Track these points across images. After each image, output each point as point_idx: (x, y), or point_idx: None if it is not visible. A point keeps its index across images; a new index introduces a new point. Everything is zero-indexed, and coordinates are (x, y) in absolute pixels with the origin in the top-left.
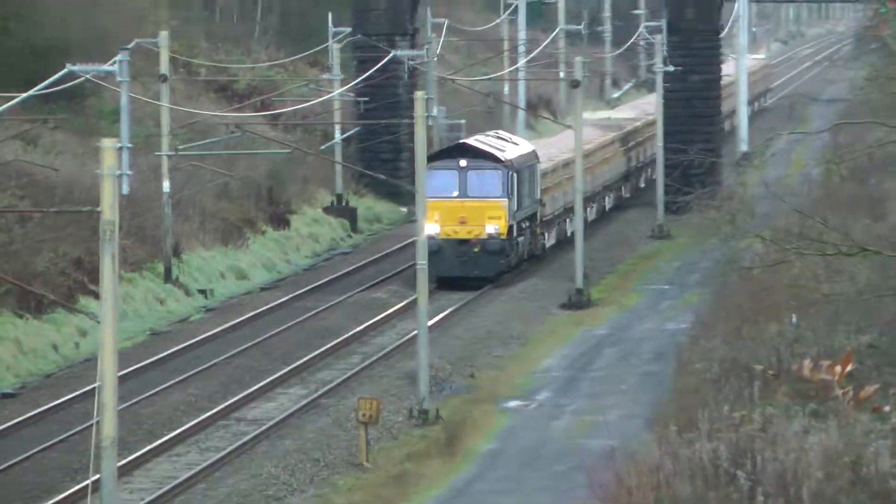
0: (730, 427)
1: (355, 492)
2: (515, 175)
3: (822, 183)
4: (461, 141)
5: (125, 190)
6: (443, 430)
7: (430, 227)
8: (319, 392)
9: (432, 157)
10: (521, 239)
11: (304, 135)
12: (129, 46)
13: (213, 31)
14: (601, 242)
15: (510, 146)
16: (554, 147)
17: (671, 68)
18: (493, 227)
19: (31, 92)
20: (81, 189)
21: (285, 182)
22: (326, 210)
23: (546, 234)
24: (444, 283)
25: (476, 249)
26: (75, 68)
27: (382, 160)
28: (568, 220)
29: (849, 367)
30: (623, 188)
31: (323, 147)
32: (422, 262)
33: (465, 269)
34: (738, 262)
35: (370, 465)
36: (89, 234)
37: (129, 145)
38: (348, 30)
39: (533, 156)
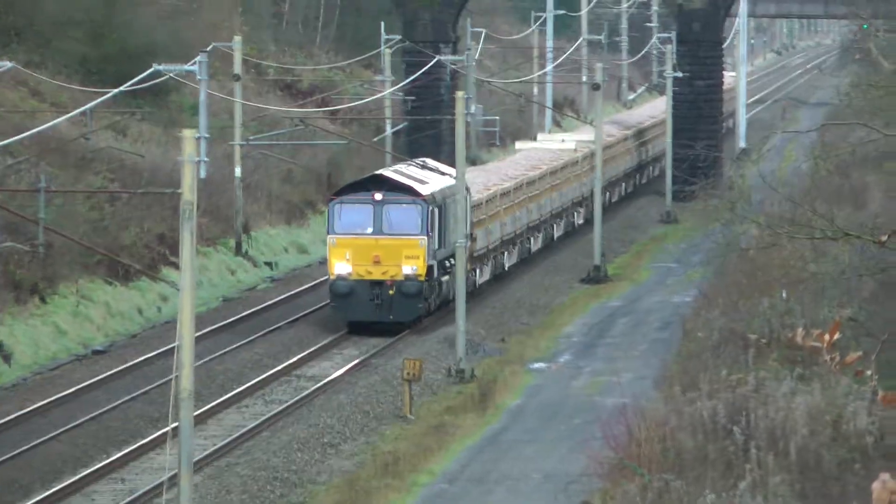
0: (727, 388)
1: (400, 440)
2: (437, 210)
3: (811, 175)
4: (377, 172)
5: (202, 174)
6: (477, 388)
7: (341, 267)
8: (370, 353)
9: (343, 190)
10: (444, 279)
11: (359, 128)
12: (207, 50)
13: (280, 37)
14: (615, 226)
15: (434, 177)
16: (493, 174)
17: (679, 74)
18: (411, 267)
19: (121, 88)
20: (164, 173)
21: (342, 169)
22: None
23: (478, 271)
24: (356, 328)
25: (391, 292)
26: (160, 68)
27: (426, 151)
28: (506, 252)
29: (836, 336)
30: (623, 187)
31: (375, 139)
32: (461, 240)
33: (380, 314)
34: (737, 243)
35: (413, 417)
36: (170, 213)
37: (207, 136)
38: (398, 37)
39: (461, 187)
